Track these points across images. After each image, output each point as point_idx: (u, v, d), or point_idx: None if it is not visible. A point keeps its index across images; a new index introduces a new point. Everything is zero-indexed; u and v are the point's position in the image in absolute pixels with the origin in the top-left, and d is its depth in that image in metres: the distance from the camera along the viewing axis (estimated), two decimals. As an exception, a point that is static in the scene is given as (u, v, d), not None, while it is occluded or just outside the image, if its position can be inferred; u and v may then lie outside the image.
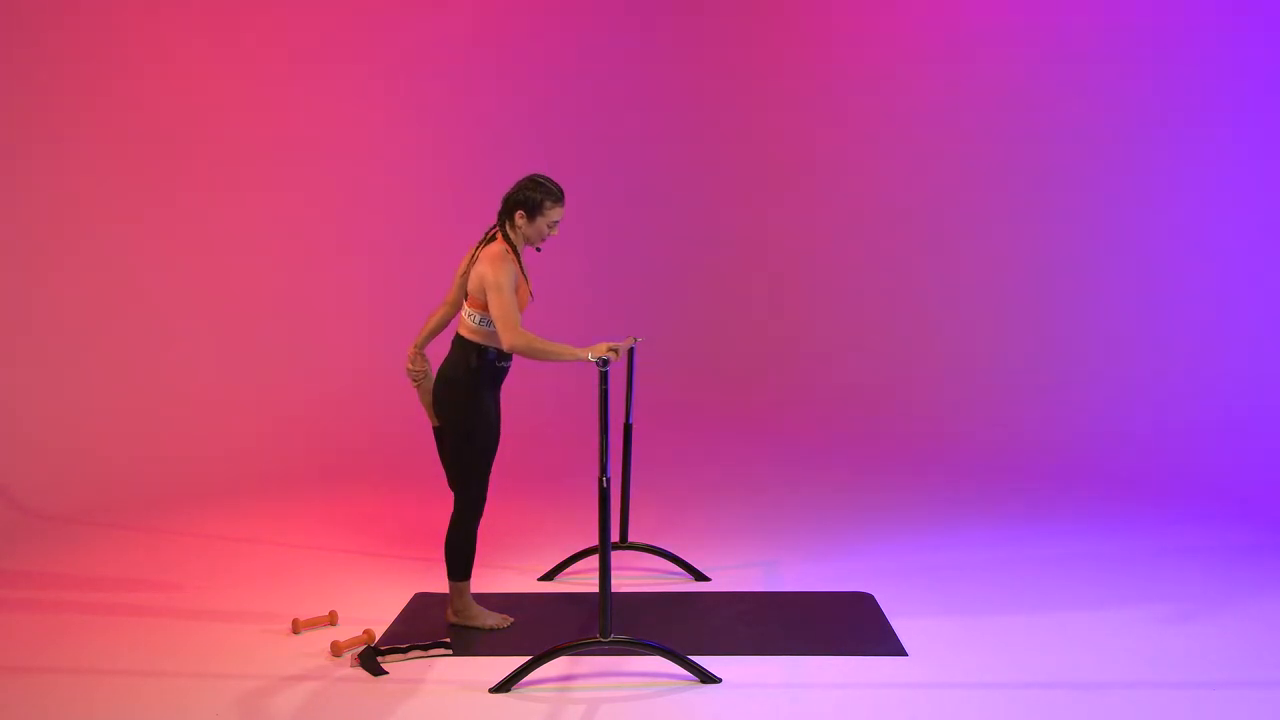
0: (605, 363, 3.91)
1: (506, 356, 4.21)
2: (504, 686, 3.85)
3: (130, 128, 6.99)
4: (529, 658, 3.94)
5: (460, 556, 4.33)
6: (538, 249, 4.27)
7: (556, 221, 4.19)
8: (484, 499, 4.32)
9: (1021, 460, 6.88)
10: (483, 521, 4.52)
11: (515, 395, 5.03)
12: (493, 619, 4.41)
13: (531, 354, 4.04)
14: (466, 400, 4.19)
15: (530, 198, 4.16)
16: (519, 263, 4.17)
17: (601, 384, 3.89)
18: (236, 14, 7.35)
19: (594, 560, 4.78)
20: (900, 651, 4.16)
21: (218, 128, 7.29)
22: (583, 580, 4.93)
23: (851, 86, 8.26)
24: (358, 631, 4.31)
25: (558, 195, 4.19)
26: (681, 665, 3.94)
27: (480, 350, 4.18)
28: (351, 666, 4.05)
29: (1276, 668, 4.02)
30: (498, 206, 4.24)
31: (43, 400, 6.55)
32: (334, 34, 7.71)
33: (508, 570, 5.06)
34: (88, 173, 6.84)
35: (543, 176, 4.24)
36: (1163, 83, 7.23)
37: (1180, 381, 6.99)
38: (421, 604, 4.65)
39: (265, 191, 7.48)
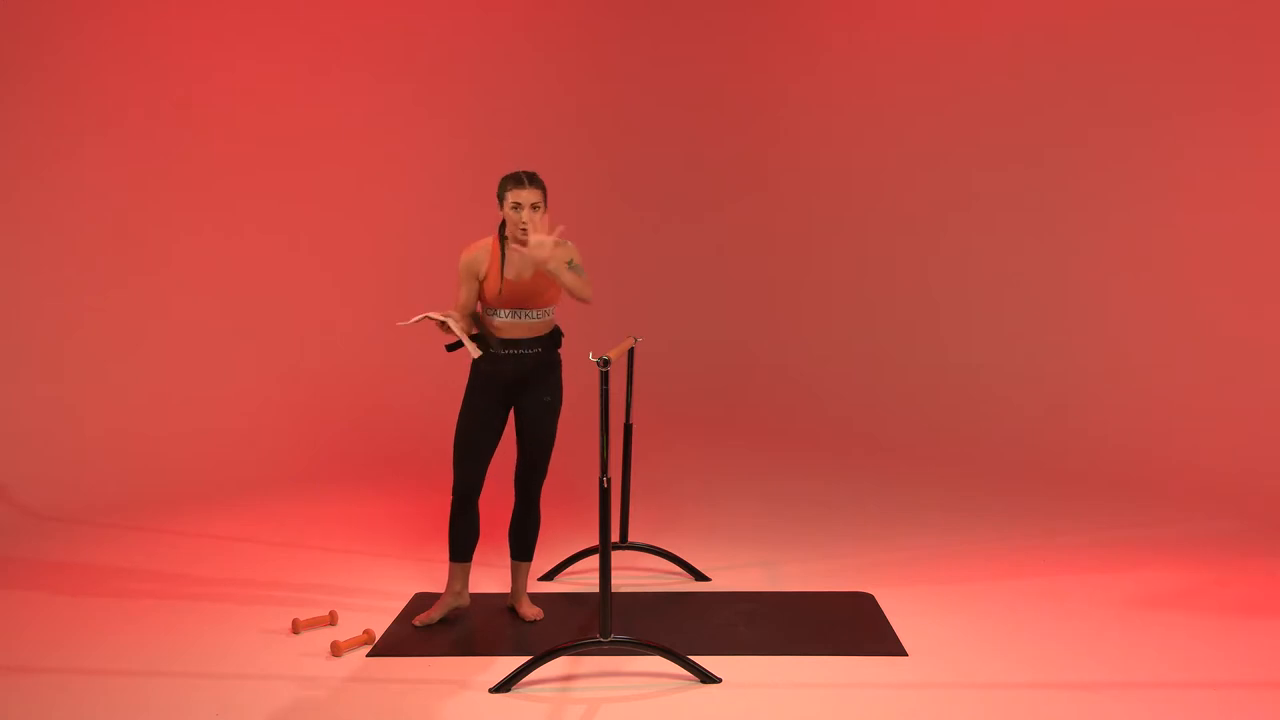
0: (605, 362, 3.91)
1: (483, 344, 4.23)
2: (504, 686, 3.85)
3: (129, 127, 6.99)
4: (529, 658, 3.95)
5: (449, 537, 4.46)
6: (521, 241, 4.15)
7: (518, 204, 4.14)
8: (457, 482, 4.35)
9: (1022, 461, 6.89)
10: (484, 521, 4.54)
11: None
12: (438, 611, 4.44)
13: None
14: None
15: (498, 189, 4.22)
16: (500, 249, 4.20)
17: (602, 384, 3.89)
18: (238, 13, 7.35)
19: (594, 560, 4.79)
20: (900, 651, 4.16)
21: (216, 128, 7.28)
22: (583, 580, 4.93)
23: (856, 87, 8.26)
24: (358, 631, 4.31)
25: (511, 178, 4.18)
26: (681, 665, 3.95)
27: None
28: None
29: (1277, 668, 4.02)
30: (497, 206, 4.25)
31: (43, 400, 6.55)
32: (337, 36, 7.70)
33: (508, 570, 5.05)
34: (86, 172, 6.84)
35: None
36: (1160, 81, 7.22)
37: (1184, 382, 6.97)
38: (421, 604, 4.65)
39: (263, 191, 7.47)
